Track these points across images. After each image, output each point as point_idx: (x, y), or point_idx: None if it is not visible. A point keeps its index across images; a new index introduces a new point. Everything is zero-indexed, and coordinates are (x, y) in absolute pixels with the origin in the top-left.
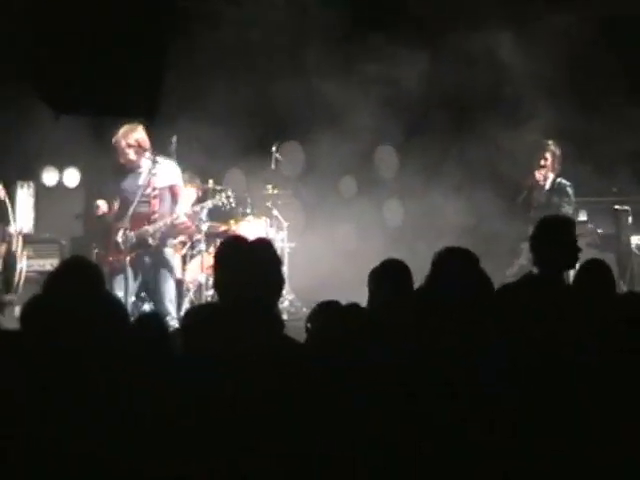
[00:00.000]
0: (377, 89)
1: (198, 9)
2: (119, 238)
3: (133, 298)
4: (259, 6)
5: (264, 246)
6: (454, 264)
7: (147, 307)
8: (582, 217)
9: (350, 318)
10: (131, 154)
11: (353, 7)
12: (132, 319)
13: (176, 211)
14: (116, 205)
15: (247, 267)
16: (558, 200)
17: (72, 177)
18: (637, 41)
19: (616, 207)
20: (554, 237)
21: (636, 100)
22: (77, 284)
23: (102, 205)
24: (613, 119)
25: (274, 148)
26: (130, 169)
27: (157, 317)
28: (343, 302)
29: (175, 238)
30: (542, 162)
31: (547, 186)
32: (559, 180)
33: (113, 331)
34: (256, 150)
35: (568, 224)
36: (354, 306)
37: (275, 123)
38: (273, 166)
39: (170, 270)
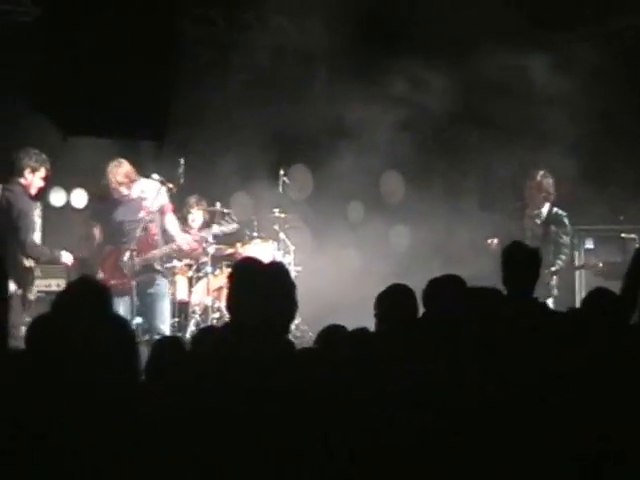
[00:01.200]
0: (388, 113)
1: (207, 34)
2: (124, 262)
3: (139, 319)
4: (267, 31)
5: (279, 269)
6: (442, 293)
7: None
8: (589, 245)
9: (357, 342)
10: (123, 190)
11: (362, 29)
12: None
13: (179, 236)
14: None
15: (263, 289)
16: (555, 230)
17: (80, 198)
18: None
19: (623, 235)
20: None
21: None
22: (85, 304)
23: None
24: (623, 147)
25: (282, 171)
26: (120, 199)
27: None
28: (349, 326)
29: (181, 260)
30: (528, 193)
31: (543, 216)
32: (555, 210)
33: (120, 352)
34: (264, 173)
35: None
36: (361, 330)
37: (283, 146)
38: (281, 189)
39: (165, 291)
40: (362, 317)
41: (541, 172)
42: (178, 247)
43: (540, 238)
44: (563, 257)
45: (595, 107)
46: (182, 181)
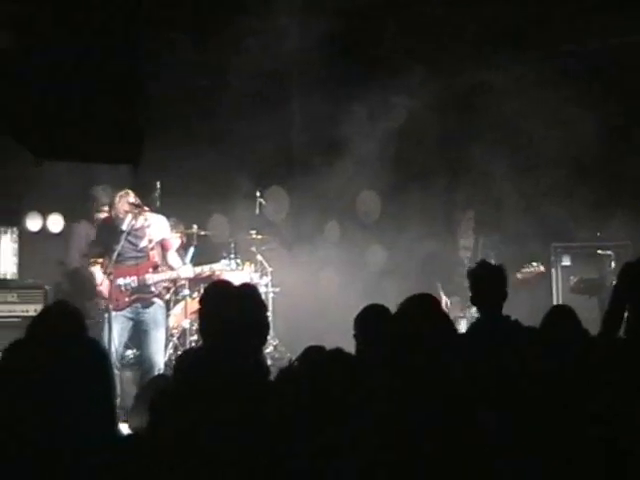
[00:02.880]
0: (364, 133)
1: (181, 58)
2: (121, 282)
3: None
4: (241, 54)
5: (249, 291)
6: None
7: (130, 352)
8: (566, 262)
9: (335, 363)
10: (129, 217)
11: (337, 48)
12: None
13: (180, 266)
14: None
15: (233, 312)
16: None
17: (56, 223)
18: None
19: (599, 252)
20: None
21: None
22: (60, 329)
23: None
24: (598, 165)
25: (258, 193)
26: (115, 225)
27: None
28: (329, 347)
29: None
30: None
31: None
32: (482, 240)
33: (93, 375)
34: (240, 195)
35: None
36: (339, 351)
37: (260, 168)
38: (257, 211)
39: (161, 319)
40: (341, 337)
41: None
42: (178, 276)
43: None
44: None
45: (569, 124)
46: (158, 204)
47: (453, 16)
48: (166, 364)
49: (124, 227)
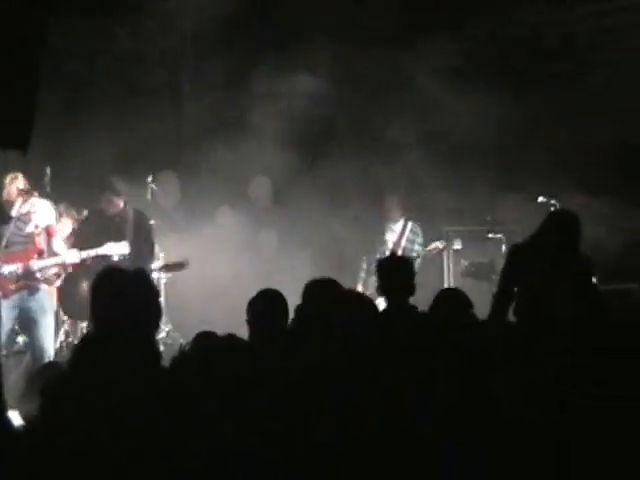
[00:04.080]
0: (257, 116)
1: (67, 42)
2: (6, 270)
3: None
4: (132, 37)
5: (140, 276)
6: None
7: (21, 339)
8: (457, 246)
9: (228, 349)
10: (18, 203)
11: (230, 30)
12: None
13: (67, 253)
14: None
15: (123, 298)
16: (411, 239)
17: None
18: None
19: (489, 236)
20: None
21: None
22: None
23: None
24: (490, 149)
25: (149, 178)
26: (4, 210)
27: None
28: (220, 332)
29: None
30: (385, 212)
31: (397, 228)
32: (410, 223)
33: None
34: (132, 180)
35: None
36: (231, 337)
37: (151, 153)
38: (149, 196)
39: (47, 304)
40: (233, 323)
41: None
42: (63, 262)
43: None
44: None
45: (468, 109)
46: (48, 189)
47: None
48: (56, 351)
49: (13, 213)
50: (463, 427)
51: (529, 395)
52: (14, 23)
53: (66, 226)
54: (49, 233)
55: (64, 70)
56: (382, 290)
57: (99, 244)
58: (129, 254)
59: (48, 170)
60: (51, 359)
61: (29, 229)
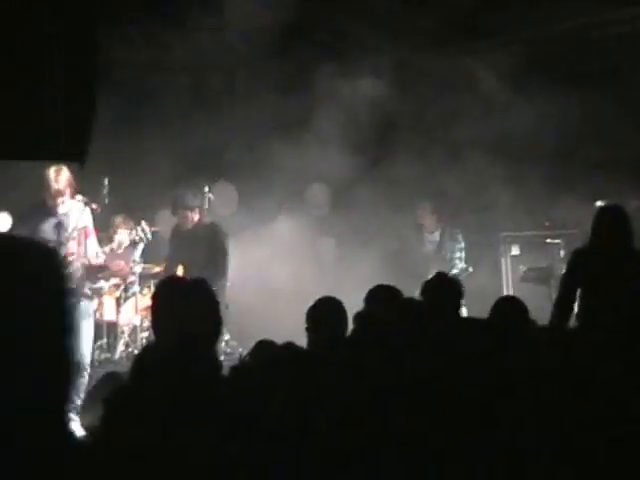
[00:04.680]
0: (313, 125)
1: (124, 54)
2: None
3: None
4: (187, 50)
5: (201, 286)
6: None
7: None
8: (515, 252)
9: (287, 358)
10: (61, 199)
11: (282, 40)
12: None
13: (89, 252)
14: None
15: (184, 307)
16: (451, 247)
17: (3, 221)
18: None
19: (548, 241)
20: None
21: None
22: None
23: None
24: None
25: (206, 188)
26: (48, 210)
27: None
28: (279, 341)
29: (108, 280)
30: (419, 220)
31: (434, 238)
32: (448, 230)
33: None
34: (189, 190)
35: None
36: (290, 345)
37: (207, 162)
38: (206, 206)
39: (91, 313)
40: (293, 330)
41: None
42: (89, 263)
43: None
44: (455, 272)
45: (526, 110)
46: (107, 201)
47: (405, 5)
48: (117, 361)
49: (59, 210)
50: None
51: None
52: (71, 40)
53: (123, 237)
54: (85, 234)
55: (120, 81)
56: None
57: (180, 261)
58: (204, 268)
59: (106, 181)
60: (87, 365)
61: (66, 232)
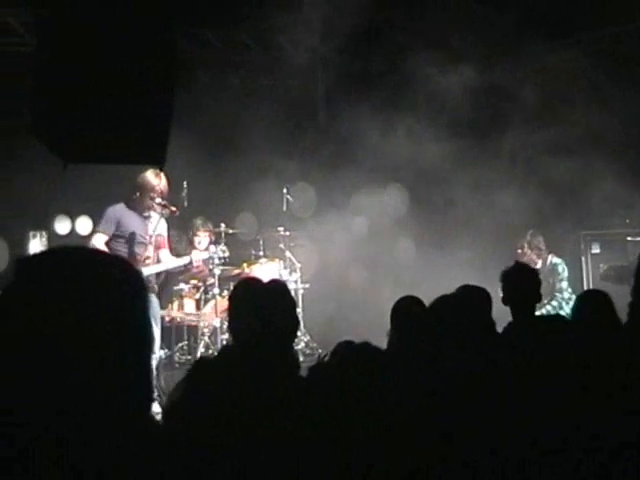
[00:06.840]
0: (391, 127)
1: (202, 58)
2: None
3: None
4: (266, 50)
5: (278, 287)
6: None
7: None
8: (595, 250)
9: (368, 358)
10: (158, 202)
11: (363, 43)
12: None
13: (167, 258)
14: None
15: (261, 309)
16: (552, 280)
17: (84, 225)
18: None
19: (629, 239)
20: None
21: None
22: None
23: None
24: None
25: (285, 190)
26: (137, 208)
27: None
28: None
29: (188, 283)
30: (519, 251)
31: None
32: (550, 259)
33: None
34: (267, 192)
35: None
36: (367, 345)
37: (286, 164)
38: (285, 207)
39: (157, 313)
40: (373, 331)
41: (530, 231)
42: (166, 267)
43: None
44: (554, 303)
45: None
46: (186, 204)
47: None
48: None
49: (145, 213)
50: None
51: None
52: (149, 46)
53: (203, 239)
54: (158, 245)
55: (198, 82)
56: (506, 300)
57: None
58: None
59: (185, 184)
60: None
61: (146, 237)
